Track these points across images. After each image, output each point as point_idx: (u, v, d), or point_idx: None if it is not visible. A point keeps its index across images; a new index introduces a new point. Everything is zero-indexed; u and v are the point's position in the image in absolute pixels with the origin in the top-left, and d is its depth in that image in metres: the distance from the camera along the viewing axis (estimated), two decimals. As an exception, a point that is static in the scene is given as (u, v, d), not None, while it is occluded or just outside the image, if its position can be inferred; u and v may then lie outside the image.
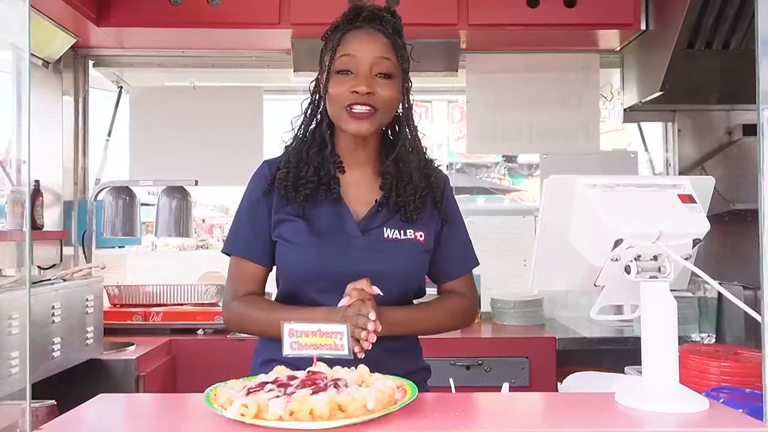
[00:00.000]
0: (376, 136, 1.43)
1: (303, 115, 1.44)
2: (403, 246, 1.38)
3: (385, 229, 1.38)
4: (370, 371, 1.10)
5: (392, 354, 1.35)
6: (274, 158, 1.46)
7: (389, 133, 1.46)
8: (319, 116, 1.44)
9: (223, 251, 1.46)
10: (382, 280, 1.31)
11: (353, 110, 1.34)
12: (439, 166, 1.51)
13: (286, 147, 1.45)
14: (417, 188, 1.40)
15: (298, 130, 1.44)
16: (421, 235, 1.40)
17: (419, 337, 1.48)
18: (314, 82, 1.45)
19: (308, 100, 1.45)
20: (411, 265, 1.40)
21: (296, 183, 1.37)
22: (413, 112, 1.44)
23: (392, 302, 1.36)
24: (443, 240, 1.45)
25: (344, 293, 1.28)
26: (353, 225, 1.38)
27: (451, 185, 1.52)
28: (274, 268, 1.45)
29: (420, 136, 1.46)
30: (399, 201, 1.39)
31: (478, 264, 1.52)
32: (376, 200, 1.41)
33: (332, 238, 1.36)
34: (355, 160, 1.43)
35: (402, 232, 1.38)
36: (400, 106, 1.43)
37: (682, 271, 1.15)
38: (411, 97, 1.44)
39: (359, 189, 1.42)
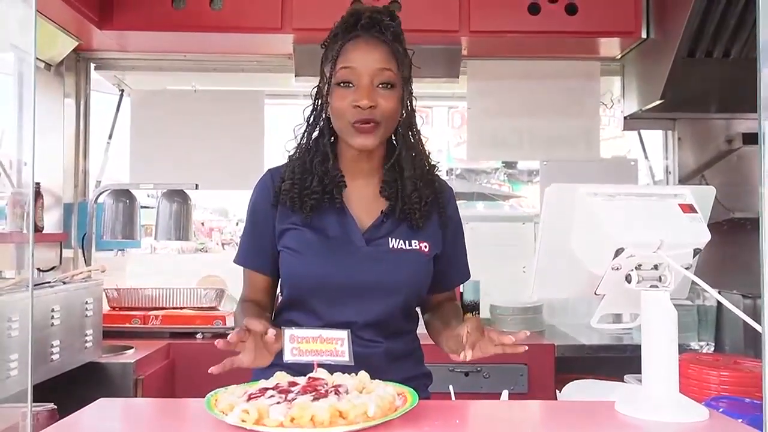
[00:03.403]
0: (381, 147, 1.40)
1: (305, 123, 1.42)
2: (407, 257, 1.36)
3: (390, 239, 1.37)
4: (371, 377, 1.11)
5: (393, 360, 1.36)
6: (278, 167, 1.44)
7: (393, 139, 1.42)
8: (321, 123, 1.41)
9: (233, 261, 1.46)
10: (385, 291, 1.32)
11: (356, 126, 1.32)
12: (439, 171, 1.50)
13: (289, 157, 1.43)
14: (422, 196, 1.38)
15: (301, 138, 1.42)
16: (425, 246, 1.38)
17: (421, 342, 1.48)
18: (316, 89, 1.42)
19: (310, 108, 1.43)
20: (415, 276, 1.37)
21: (302, 194, 1.36)
22: (416, 118, 1.42)
23: (396, 314, 1.36)
24: (447, 251, 1.44)
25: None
26: (358, 235, 1.36)
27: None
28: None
29: (423, 140, 1.44)
30: (405, 209, 1.37)
31: (470, 277, 1.53)
32: (381, 211, 1.38)
33: (337, 247, 1.35)
34: (360, 170, 1.41)
35: (407, 242, 1.37)
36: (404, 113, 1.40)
37: (683, 281, 1.16)
38: (414, 103, 1.41)
39: (364, 200, 1.40)
